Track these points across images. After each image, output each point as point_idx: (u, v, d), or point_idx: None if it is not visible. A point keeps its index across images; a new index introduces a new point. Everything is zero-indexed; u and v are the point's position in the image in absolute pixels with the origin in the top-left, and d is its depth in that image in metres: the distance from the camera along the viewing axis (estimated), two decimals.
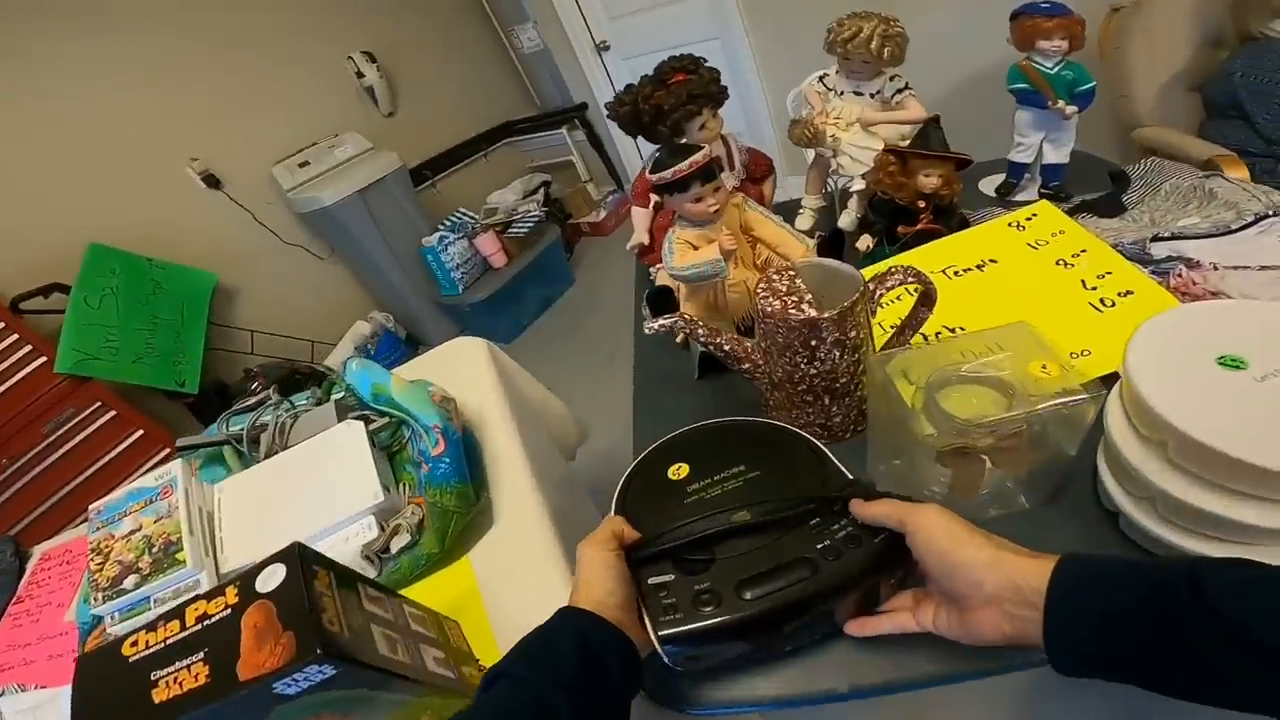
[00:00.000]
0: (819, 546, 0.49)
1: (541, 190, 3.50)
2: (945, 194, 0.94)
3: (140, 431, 2.33)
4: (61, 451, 2.20)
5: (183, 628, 0.50)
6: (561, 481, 0.97)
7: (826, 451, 0.59)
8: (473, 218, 3.07)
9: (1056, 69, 1.01)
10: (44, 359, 2.13)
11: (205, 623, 0.49)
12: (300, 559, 0.49)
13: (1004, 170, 1.15)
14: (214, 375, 2.61)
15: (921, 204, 0.95)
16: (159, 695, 0.46)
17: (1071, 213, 0.96)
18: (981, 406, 0.52)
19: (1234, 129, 1.66)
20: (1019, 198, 1.13)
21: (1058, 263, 0.82)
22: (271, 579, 0.48)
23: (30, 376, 2.12)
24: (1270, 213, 0.79)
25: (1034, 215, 0.91)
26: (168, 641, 0.49)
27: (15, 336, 2.09)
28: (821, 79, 1.11)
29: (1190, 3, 1.79)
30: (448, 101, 3.59)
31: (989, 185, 1.18)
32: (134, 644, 0.51)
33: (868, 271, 0.66)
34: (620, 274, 3.24)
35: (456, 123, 3.62)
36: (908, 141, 0.97)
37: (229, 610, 0.48)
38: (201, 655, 0.47)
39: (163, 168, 2.65)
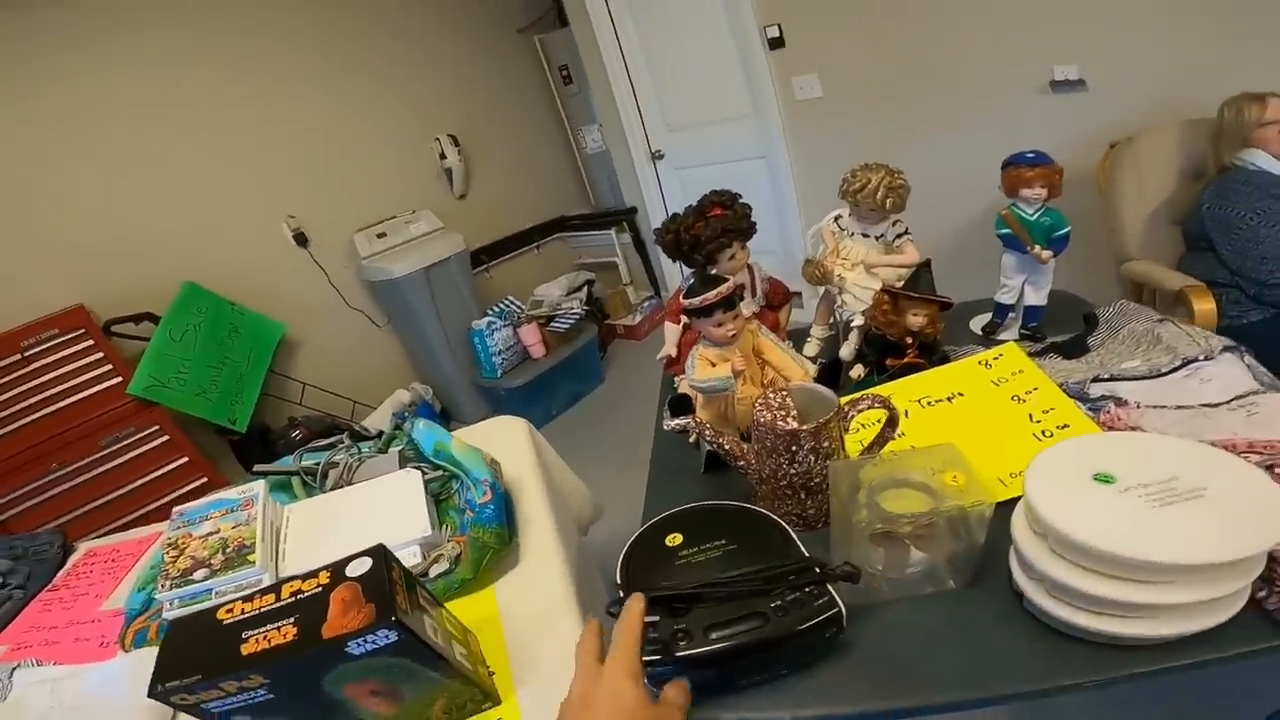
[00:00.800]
0: (772, 605, 0.63)
1: (585, 289, 3.78)
2: (929, 332, 1.10)
3: (185, 459, 2.51)
4: (110, 465, 2.38)
5: (277, 599, 0.64)
6: (576, 548, 1.11)
7: (793, 535, 0.73)
8: (520, 307, 3.33)
9: (1036, 215, 1.15)
10: (120, 379, 2.35)
11: (299, 596, 0.63)
12: (384, 555, 0.64)
13: (991, 309, 1.28)
14: (260, 419, 2.81)
15: (909, 340, 1.11)
16: (247, 649, 0.60)
17: (1042, 352, 1.11)
18: (909, 505, 0.68)
19: (1205, 260, 1.76)
20: (1002, 336, 1.25)
21: (1013, 398, 0.97)
22: (360, 567, 0.63)
23: (103, 392, 2.35)
24: (1201, 356, 0.94)
25: (1000, 355, 1.07)
26: (261, 610, 0.64)
27: (100, 355, 2.33)
28: (836, 219, 1.30)
29: (1176, 136, 1.95)
30: (513, 190, 3.96)
31: (977, 324, 1.31)
32: (229, 610, 0.65)
33: (848, 398, 0.82)
34: (647, 379, 3.42)
35: (517, 211, 3.98)
36: (902, 283, 1.14)
37: (321, 588, 0.63)
38: (292, 619, 0.61)
39: (262, 220, 3.00)
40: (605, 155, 3.96)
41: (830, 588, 0.65)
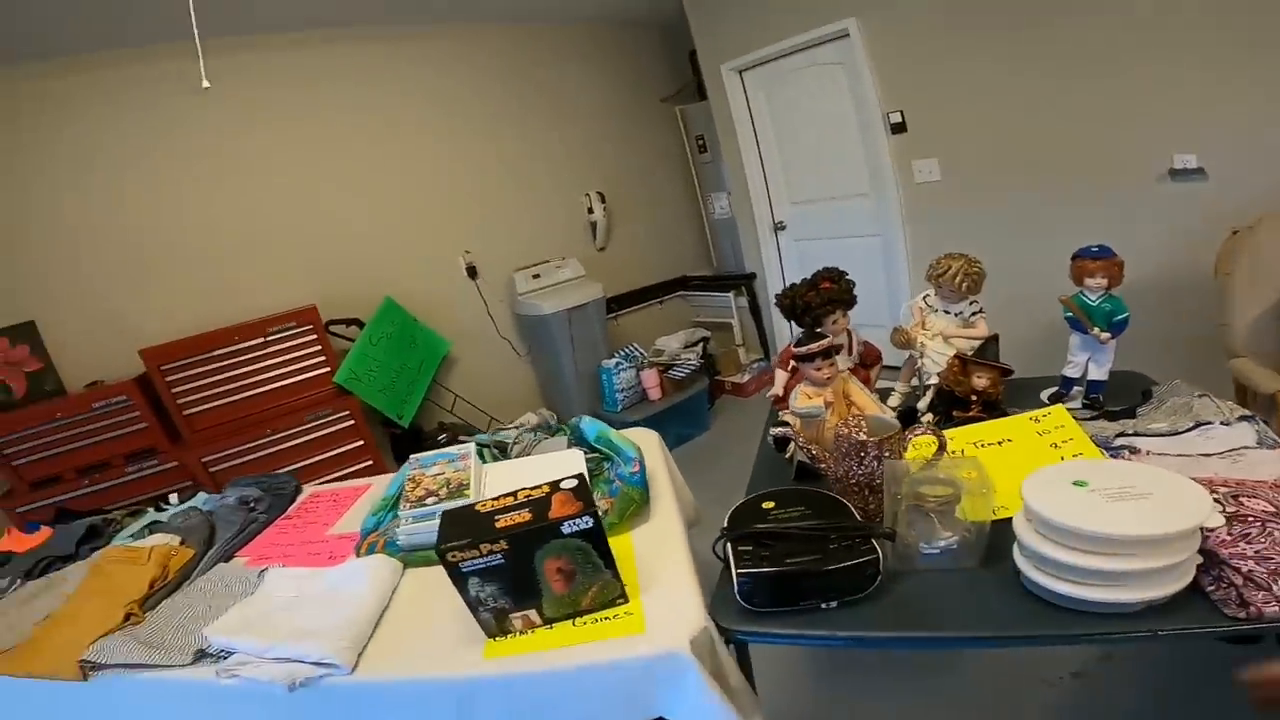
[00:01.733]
0: (830, 547, 0.95)
1: (701, 344, 4.13)
2: (991, 392, 1.37)
3: (362, 443, 3.05)
4: (308, 438, 2.95)
5: (515, 500, 1.02)
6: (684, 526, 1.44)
7: (854, 511, 1.04)
8: (642, 353, 3.74)
9: (1098, 301, 1.31)
10: (328, 369, 2.96)
11: (529, 498, 1.01)
12: (583, 477, 1.01)
13: (1059, 383, 1.46)
14: (417, 420, 3.35)
15: (974, 398, 1.38)
16: (499, 523, 0.98)
17: (1094, 418, 1.31)
18: (935, 491, 0.99)
19: None
20: (1066, 405, 1.40)
21: (1051, 445, 1.21)
22: (569, 484, 1.01)
23: (315, 378, 2.96)
24: (1217, 421, 1.14)
25: (1048, 414, 1.30)
26: (505, 506, 1.02)
27: (319, 346, 2.96)
28: (924, 297, 1.58)
29: None
30: (645, 247, 4.45)
31: (1045, 394, 1.50)
32: (482, 506, 1.04)
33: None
34: (749, 432, 3.64)
35: (647, 267, 4.45)
36: (973, 352, 1.41)
37: (545, 494, 1.01)
38: (527, 509, 0.99)
39: (446, 251, 3.65)
40: (731, 222, 4.36)
41: (874, 542, 0.95)
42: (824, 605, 0.96)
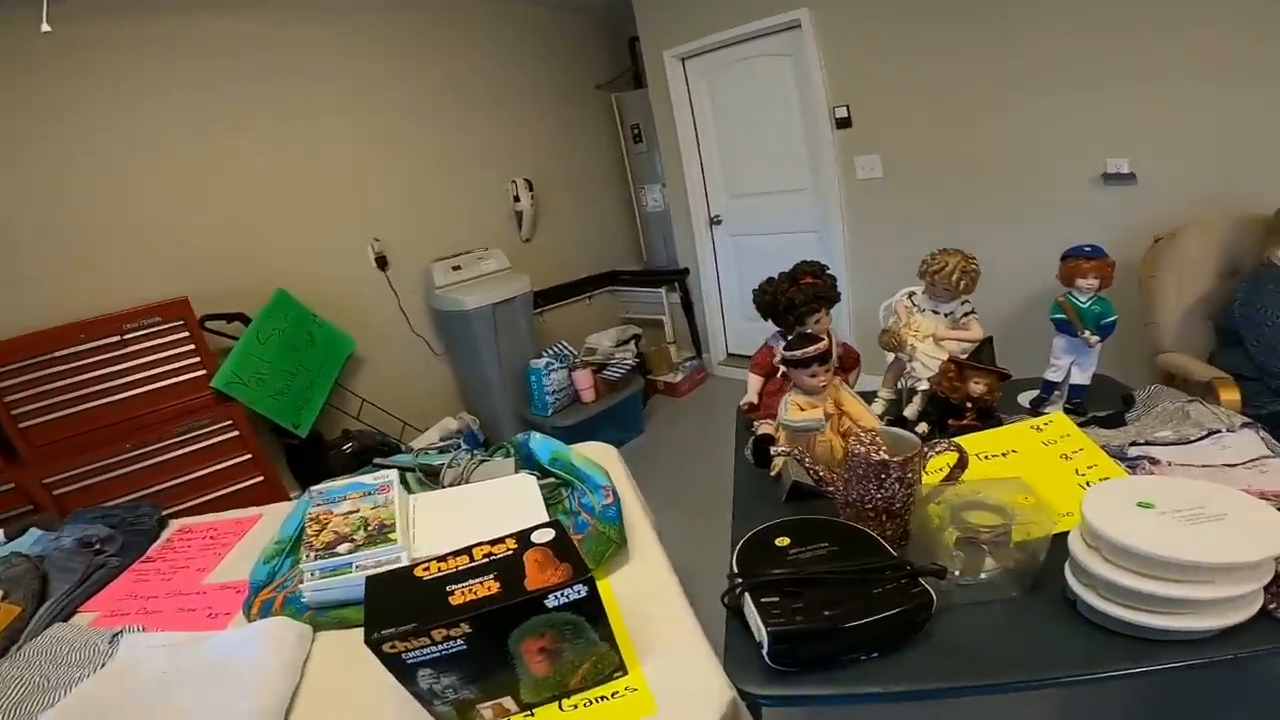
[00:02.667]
0: (874, 591, 0.77)
1: (633, 342, 3.93)
2: (988, 399, 1.24)
3: (249, 456, 2.63)
4: (181, 452, 2.50)
5: (470, 560, 0.76)
6: None
7: (882, 543, 0.86)
8: (573, 352, 3.48)
9: (1088, 303, 1.28)
10: (204, 372, 2.52)
11: (491, 558, 0.75)
12: (562, 527, 0.76)
13: (1038, 386, 1.40)
14: (317, 427, 2.93)
15: (969, 405, 1.25)
16: (455, 599, 0.71)
17: (1083, 424, 1.22)
18: (986, 520, 0.85)
19: (1234, 355, 1.83)
20: (1047, 410, 1.35)
21: (1061, 456, 1.11)
22: (543, 536, 0.75)
23: (188, 382, 2.52)
24: (1223, 429, 1.10)
25: (1050, 422, 1.20)
26: (459, 568, 0.75)
27: (192, 346, 2.51)
28: (910, 295, 1.45)
29: (1217, 233, 2.03)
30: (574, 239, 4.19)
31: (1025, 398, 1.43)
32: (425, 569, 0.77)
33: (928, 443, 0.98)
34: (684, 433, 3.53)
35: (575, 260, 4.19)
36: (966, 355, 1.28)
37: (512, 551, 0.75)
38: (493, 575, 0.73)
39: (351, 239, 3.23)
40: (664, 215, 4.19)
41: (922, 581, 0.78)
42: (864, 657, 0.78)
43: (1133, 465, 1.07)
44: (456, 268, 3.36)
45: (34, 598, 1.26)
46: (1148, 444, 1.11)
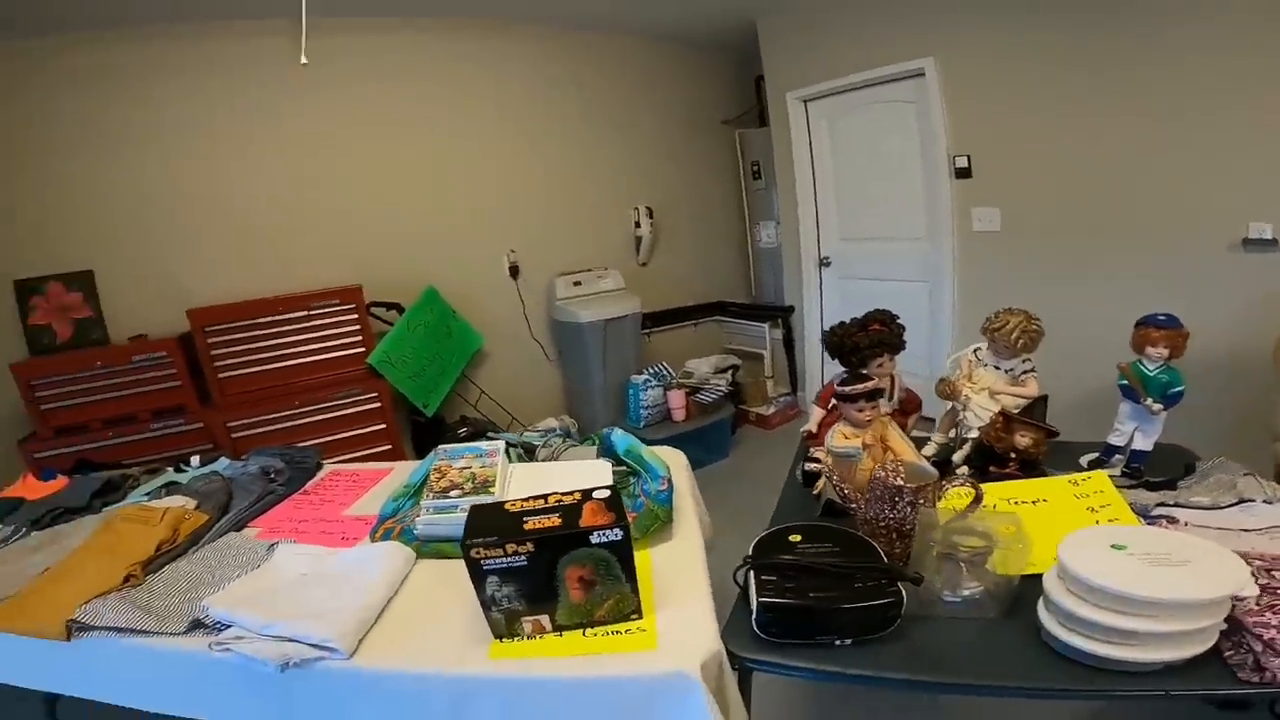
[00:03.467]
0: (855, 585, 0.94)
1: (730, 372, 4.10)
2: (1033, 452, 1.34)
3: (383, 426, 3.06)
4: (332, 415, 2.97)
5: (544, 503, 1.01)
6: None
7: (878, 549, 1.01)
8: (671, 373, 3.72)
9: (1156, 371, 1.31)
10: (364, 349, 2.99)
11: (560, 504, 0.99)
12: (614, 489, 0.99)
13: (1101, 449, 1.43)
14: (440, 410, 3.35)
15: (1013, 456, 1.35)
16: (529, 525, 0.96)
17: (1133, 486, 1.27)
18: (968, 542, 0.98)
19: None
20: (1106, 473, 1.35)
21: (1088, 509, 1.19)
22: (601, 494, 0.99)
23: (349, 357, 2.99)
24: (1260, 500, 1.14)
25: (1089, 478, 1.28)
26: (535, 507, 1.00)
27: (358, 327, 2.99)
28: (975, 351, 1.55)
29: None
30: (687, 268, 4.44)
31: (1086, 459, 1.46)
32: (510, 505, 1.02)
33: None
34: (769, 464, 3.63)
35: (686, 288, 4.43)
36: (1020, 410, 1.37)
37: (575, 501, 0.99)
38: (557, 514, 0.97)
39: (491, 249, 3.68)
40: (775, 252, 4.34)
41: (900, 585, 0.93)
42: (838, 642, 0.94)
43: (1151, 521, 1.13)
44: (577, 283, 3.71)
45: (219, 510, 1.65)
46: (1176, 505, 1.17)
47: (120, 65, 2.82)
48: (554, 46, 3.76)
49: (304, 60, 1.84)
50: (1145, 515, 1.16)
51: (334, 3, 2.91)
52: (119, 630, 1.15)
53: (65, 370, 2.60)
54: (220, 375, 2.83)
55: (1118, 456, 1.42)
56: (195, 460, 1.97)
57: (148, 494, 1.74)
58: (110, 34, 2.78)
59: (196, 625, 1.14)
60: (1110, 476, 1.31)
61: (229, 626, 1.10)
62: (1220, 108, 2.33)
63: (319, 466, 2.02)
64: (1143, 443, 1.37)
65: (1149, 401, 1.31)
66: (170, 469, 1.94)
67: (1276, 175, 2.24)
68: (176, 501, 1.60)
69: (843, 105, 3.66)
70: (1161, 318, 1.32)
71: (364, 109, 3.27)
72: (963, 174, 3.16)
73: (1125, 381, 1.36)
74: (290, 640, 1.02)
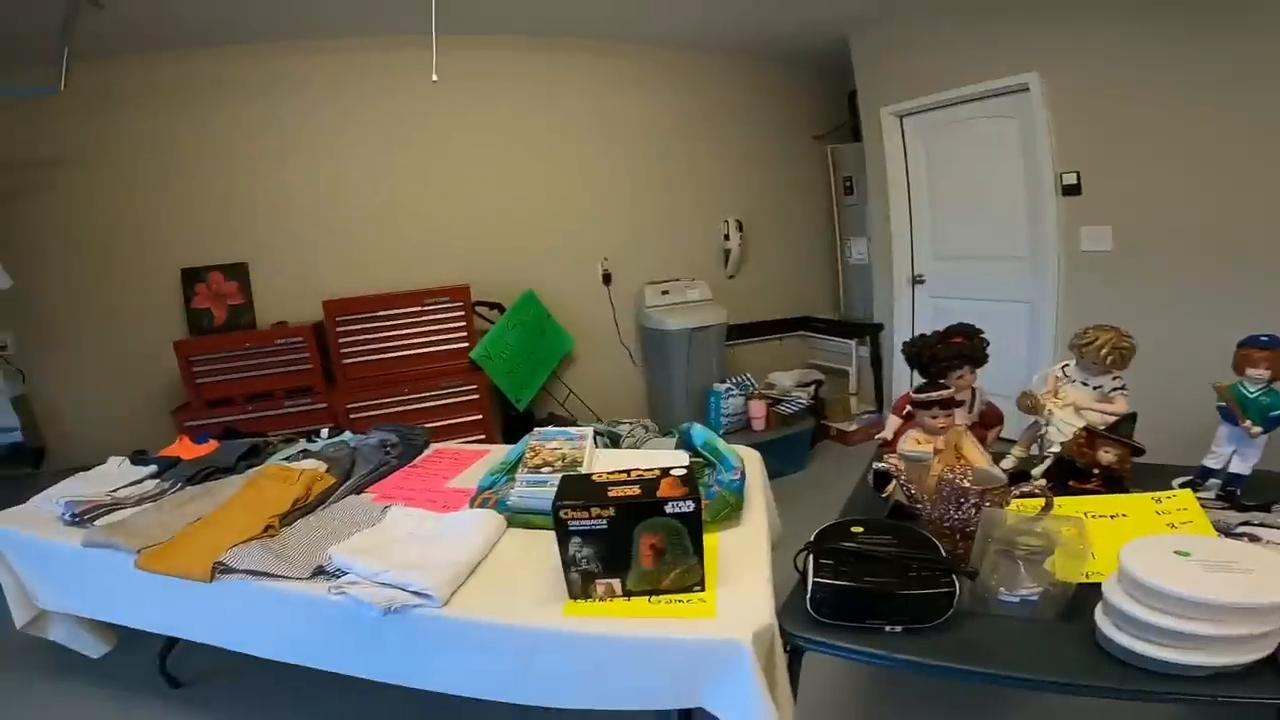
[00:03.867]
0: (909, 574, 0.99)
1: (813, 386, 4.10)
2: (1117, 468, 1.34)
3: (480, 417, 3.30)
4: (436, 403, 3.23)
5: (627, 476, 1.13)
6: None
7: (938, 544, 1.06)
8: (753, 383, 3.78)
9: (1257, 394, 1.28)
10: (467, 344, 3.25)
11: (640, 478, 1.12)
12: (690, 468, 1.10)
13: (1196, 472, 1.39)
14: (531, 406, 3.57)
15: (1096, 471, 1.35)
16: (612, 493, 1.09)
17: (1225, 507, 1.25)
18: (1028, 541, 1.01)
19: None
20: (1199, 495, 1.32)
21: (1168, 525, 1.18)
22: (678, 470, 1.10)
23: (455, 350, 3.26)
24: None
25: (1174, 495, 1.26)
26: (617, 480, 1.13)
27: (464, 323, 3.26)
28: (1064, 367, 1.55)
29: None
30: (775, 281, 4.49)
31: (1178, 482, 1.41)
32: (598, 476, 1.16)
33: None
34: (846, 478, 3.58)
35: (773, 301, 4.48)
36: (1106, 426, 1.37)
37: (655, 476, 1.11)
38: (637, 485, 1.09)
39: (586, 255, 3.89)
40: (865, 269, 4.30)
41: (954, 577, 0.98)
42: (888, 628, 0.99)
43: (1236, 538, 1.11)
44: (665, 292, 3.85)
45: (344, 474, 1.89)
46: (1262, 525, 1.15)
47: (274, 76, 3.23)
48: (650, 63, 3.93)
49: (434, 78, 2.01)
50: (1227, 532, 1.14)
51: (457, 20, 3.19)
52: (255, 574, 1.33)
53: (219, 349, 2.99)
54: (345, 360, 3.16)
55: (1213, 480, 1.38)
56: (324, 431, 2.24)
57: (286, 458, 2.00)
58: (265, 46, 3.18)
59: (319, 571, 1.32)
60: (1202, 498, 1.29)
61: (347, 573, 1.27)
62: None
63: (427, 444, 2.24)
64: (1240, 466, 1.34)
65: (1247, 424, 1.28)
66: (303, 439, 2.21)
67: None
68: (311, 464, 1.84)
69: (940, 121, 3.62)
70: (1264, 338, 1.29)
71: (478, 122, 3.57)
72: (1070, 191, 3.06)
73: (1223, 403, 1.33)
74: (395, 587, 1.18)
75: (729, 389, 3.58)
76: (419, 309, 3.18)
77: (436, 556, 1.29)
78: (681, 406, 3.74)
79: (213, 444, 2.20)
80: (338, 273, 3.35)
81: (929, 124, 3.69)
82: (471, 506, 1.58)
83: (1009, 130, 3.29)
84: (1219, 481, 1.37)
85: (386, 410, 3.14)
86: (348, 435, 2.22)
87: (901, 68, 3.66)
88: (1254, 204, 2.48)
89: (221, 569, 1.36)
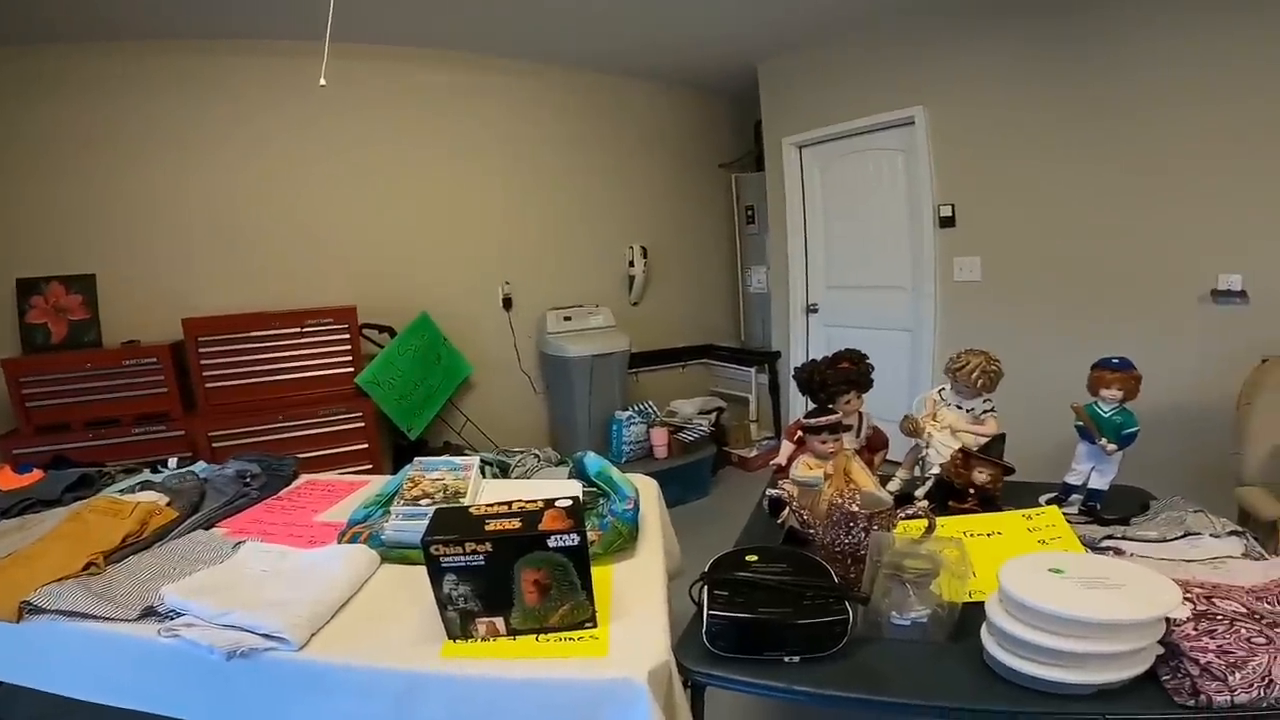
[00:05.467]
0: (803, 602, 0.95)
1: (715, 414, 4.14)
2: (990, 488, 1.38)
3: (366, 446, 3.07)
4: (315, 431, 2.98)
5: (508, 509, 1.04)
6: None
7: (832, 571, 1.04)
8: (655, 411, 3.76)
9: (1110, 413, 1.35)
10: (353, 369, 3.03)
11: (522, 509, 1.03)
12: (577, 498, 1.02)
13: (1060, 489, 1.46)
14: (424, 435, 3.37)
15: (972, 491, 1.39)
16: (490, 527, 0.99)
17: (1088, 521, 1.32)
18: (914, 564, 1.01)
19: None
20: (1062, 510, 1.38)
21: (1039, 541, 1.23)
22: (563, 502, 1.02)
23: (338, 375, 3.03)
24: (1207, 534, 1.17)
25: (1042, 512, 1.32)
26: (498, 512, 1.03)
27: (349, 346, 3.04)
28: (940, 391, 1.60)
29: None
30: (677, 309, 4.51)
31: (1045, 498, 1.49)
32: (475, 509, 1.06)
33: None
34: (747, 504, 3.62)
35: (676, 329, 4.50)
36: (979, 447, 1.42)
37: (538, 508, 1.02)
38: (519, 519, 1.00)
39: (487, 279, 3.76)
40: (765, 297, 4.42)
41: (847, 604, 0.96)
42: (786, 658, 0.96)
43: (1099, 553, 1.17)
44: (568, 318, 3.78)
45: (190, 508, 1.67)
46: (1124, 539, 1.21)
47: (137, 75, 2.95)
48: (556, 84, 3.91)
49: (323, 82, 1.87)
50: (1093, 547, 1.19)
51: (351, 26, 3.02)
52: (70, 614, 1.16)
53: (54, 370, 2.63)
54: (208, 385, 2.87)
55: (1075, 495, 1.45)
56: (172, 462, 1.99)
57: (121, 490, 1.76)
58: (129, 44, 2.91)
59: (149, 612, 1.15)
60: (1066, 513, 1.35)
61: (182, 615, 1.11)
62: (1197, 159, 2.44)
63: (295, 475, 2.04)
64: (1099, 482, 1.41)
65: (1103, 442, 1.35)
66: (147, 469, 1.96)
67: (1246, 227, 2.35)
68: (148, 497, 1.62)
69: (835, 152, 3.78)
70: (1115, 360, 1.37)
71: (371, 135, 3.39)
72: (946, 223, 3.24)
73: (1081, 423, 1.40)
74: (243, 630, 1.04)
75: (631, 417, 3.54)
76: (297, 330, 2.93)
77: (294, 595, 1.15)
78: (583, 434, 3.66)
79: (36, 474, 1.91)
80: (206, 290, 3.06)
81: (826, 155, 3.84)
82: (340, 541, 1.43)
83: (896, 162, 3.48)
84: (1080, 497, 1.44)
85: (258, 440, 2.87)
86: (199, 466, 1.98)
87: (804, 98, 3.80)
88: (1110, 239, 2.72)
89: (29, 609, 1.17)
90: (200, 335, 2.80)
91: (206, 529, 1.57)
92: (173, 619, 1.11)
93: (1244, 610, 0.91)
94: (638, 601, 1.12)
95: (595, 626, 1.03)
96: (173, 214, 3.04)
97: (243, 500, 1.77)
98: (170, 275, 3.04)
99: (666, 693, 0.96)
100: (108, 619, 1.14)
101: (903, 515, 1.13)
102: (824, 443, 1.35)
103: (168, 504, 1.63)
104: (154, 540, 1.46)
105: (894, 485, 1.60)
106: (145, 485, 1.78)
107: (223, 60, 3.07)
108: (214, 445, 2.80)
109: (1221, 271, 2.42)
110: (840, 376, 1.56)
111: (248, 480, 1.88)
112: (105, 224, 2.94)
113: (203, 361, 2.84)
